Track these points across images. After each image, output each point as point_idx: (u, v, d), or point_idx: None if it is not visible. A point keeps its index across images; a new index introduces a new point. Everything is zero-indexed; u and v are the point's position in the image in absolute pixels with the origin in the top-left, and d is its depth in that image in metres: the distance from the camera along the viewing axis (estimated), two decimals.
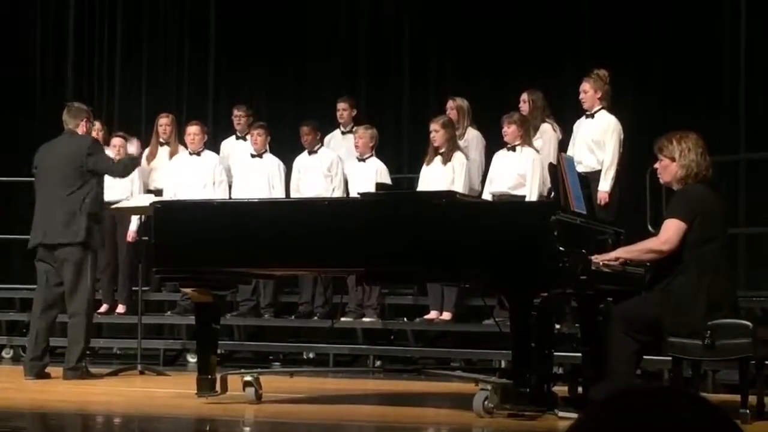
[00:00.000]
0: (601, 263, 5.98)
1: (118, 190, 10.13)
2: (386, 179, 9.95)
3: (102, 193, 8.75)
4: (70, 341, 8.53)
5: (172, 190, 10.55)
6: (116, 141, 10.89)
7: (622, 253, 6.12)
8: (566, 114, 9.76)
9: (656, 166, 6.23)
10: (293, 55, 12.71)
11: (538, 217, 6.06)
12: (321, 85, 12.42)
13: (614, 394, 1.78)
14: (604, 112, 9.13)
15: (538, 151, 9.44)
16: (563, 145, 9.45)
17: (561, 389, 6.51)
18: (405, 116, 12.33)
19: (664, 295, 5.95)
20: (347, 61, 12.77)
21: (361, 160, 10.28)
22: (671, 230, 5.98)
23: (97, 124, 11.33)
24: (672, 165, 6.08)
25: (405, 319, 10.50)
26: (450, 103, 10.17)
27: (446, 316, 9.83)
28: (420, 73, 12.36)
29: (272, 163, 10.70)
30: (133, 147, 9.48)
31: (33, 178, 11.68)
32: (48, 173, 8.60)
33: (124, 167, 8.99)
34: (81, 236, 8.37)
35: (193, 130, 10.71)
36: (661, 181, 6.25)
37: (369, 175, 9.99)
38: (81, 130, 8.73)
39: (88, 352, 8.91)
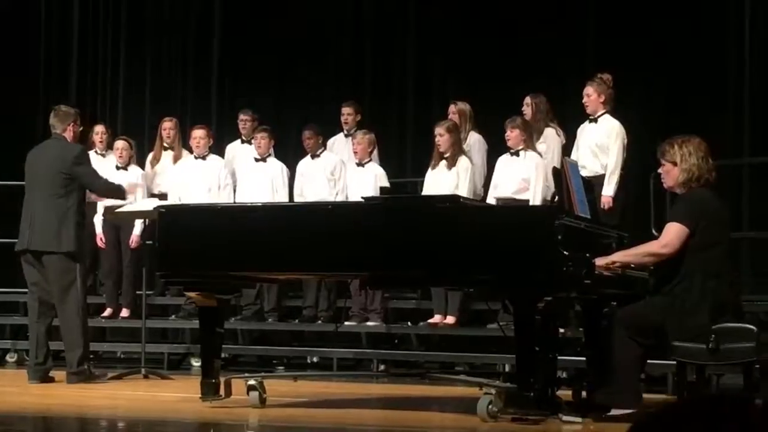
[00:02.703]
0: (601, 266, 5.97)
1: None
2: (385, 184, 9.96)
3: (84, 199, 8.73)
4: (67, 348, 8.53)
5: (177, 194, 10.56)
6: (119, 144, 10.90)
7: (620, 257, 6.11)
8: (570, 119, 9.75)
9: (660, 170, 6.23)
10: (297, 59, 12.72)
11: (542, 221, 6.05)
12: (325, 90, 12.42)
13: (671, 404, 1.76)
14: (607, 116, 9.13)
15: (541, 155, 9.44)
16: (567, 150, 9.44)
17: (565, 393, 6.50)
18: (408, 120, 12.34)
19: (668, 299, 5.95)
20: (351, 65, 12.78)
21: (360, 165, 10.29)
22: (672, 234, 5.98)
23: (101, 128, 11.36)
24: (674, 169, 6.09)
25: (409, 323, 10.50)
26: (452, 107, 10.17)
27: (450, 320, 9.83)
28: (423, 77, 12.36)
29: (276, 167, 10.71)
30: (136, 186, 9.50)
31: None
32: (35, 178, 8.61)
33: (107, 190, 8.91)
34: (68, 246, 8.38)
35: (198, 134, 10.72)
36: (665, 185, 6.27)
37: (368, 180, 10.01)
38: (68, 134, 8.73)
39: (91, 356, 8.92)
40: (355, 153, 10.31)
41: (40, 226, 8.43)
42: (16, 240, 11.82)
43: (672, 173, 6.10)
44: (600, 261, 5.98)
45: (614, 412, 5.99)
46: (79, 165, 8.53)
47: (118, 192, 8.97)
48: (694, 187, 6.06)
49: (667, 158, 6.12)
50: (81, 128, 9.18)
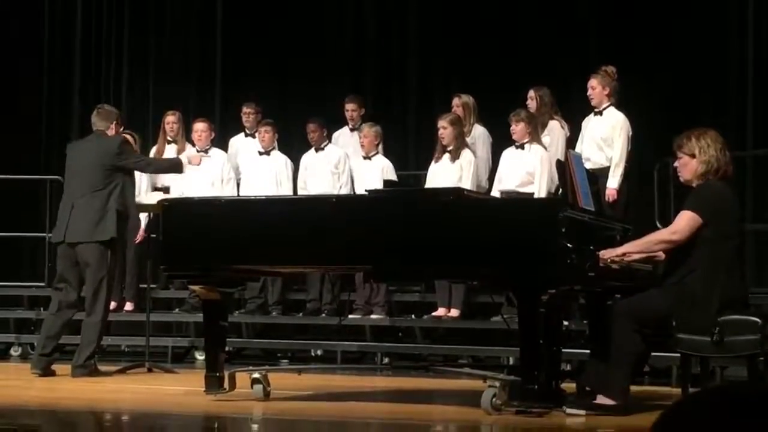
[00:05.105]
0: (608, 260, 5.97)
1: None
2: (392, 176, 9.95)
3: (131, 189, 8.76)
4: (83, 340, 8.53)
5: (180, 187, 10.55)
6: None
7: (631, 247, 6.09)
8: (574, 112, 9.74)
9: (675, 164, 6.20)
10: (300, 51, 12.70)
11: (546, 214, 6.05)
12: (328, 82, 12.41)
13: (711, 389, 1.76)
14: (612, 109, 9.12)
15: (546, 148, 9.43)
16: (571, 143, 9.44)
17: (569, 386, 6.51)
18: (412, 112, 12.33)
19: (677, 288, 5.92)
20: (354, 57, 12.76)
21: (367, 158, 10.28)
22: (683, 221, 5.95)
23: None
24: (692, 162, 6.05)
25: (413, 316, 10.50)
26: (455, 100, 10.15)
27: (454, 313, 9.83)
28: (427, 70, 12.35)
29: (279, 160, 10.71)
30: (199, 157, 9.62)
31: (37, 176, 11.73)
32: (75, 171, 8.63)
33: (166, 166, 9.27)
34: (108, 235, 8.40)
35: (200, 127, 10.71)
36: (681, 179, 6.19)
37: (375, 172, 10.00)
38: (111, 132, 8.78)
39: (97, 351, 8.92)
40: (362, 146, 10.30)
41: (80, 218, 8.43)
42: (19, 234, 11.92)
43: (690, 165, 6.06)
44: (608, 253, 5.97)
45: (599, 400, 5.99)
46: (122, 154, 8.58)
47: (175, 166, 9.15)
48: (711, 179, 6.03)
49: (684, 151, 6.07)
50: (122, 128, 9.24)
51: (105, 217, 8.42)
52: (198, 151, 10.69)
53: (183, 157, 9.40)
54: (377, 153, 10.30)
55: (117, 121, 8.90)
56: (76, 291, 8.58)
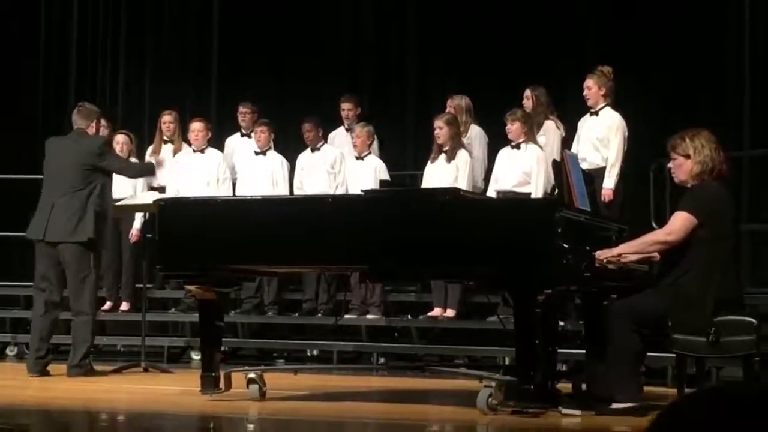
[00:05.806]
0: (604, 260, 5.97)
1: (121, 188, 10.12)
2: (385, 177, 9.95)
3: (109, 190, 8.78)
4: (75, 341, 8.53)
5: (176, 187, 10.54)
6: (119, 138, 10.87)
7: (626, 248, 6.09)
8: (570, 112, 9.74)
9: (670, 165, 6.19)
10: (298, 50, 12.70)
11: (542, 214, 6.05)
12: (326, 82, 12.40)
13: (706, 390, 1.76)
14: (608, 109, 9.11)
15: (542, 148, 9.43)
16: (567, 143, 9.43)
17: (565, 386, 6.51)
18: (410, 112, 12.32)
19: (673, 289, 5.92)
20: (352, 57, 12.76)
21: (359, 158, 10.28)
22: (678, 222, 5.96)
23: (102, 122, 11.34)
24: (687, 162, 6.05)
25: (409, 316, 10.50)
26: (449, 102, 10.14)
27: (450, 313, 9.83)
28: (425, 69, 12.35)
29: (276, 160, 10.70)
30: (163, 161, 9.71)
31: (34, 176, 11.70)
32: (55, 170, 8.62)
33: (139, 171, 9.50)
34: (86, 236, 8.39)
35: (196, 127, 10.69)
36: (676, 179, 6.19)
37: (367, 172, 10.00)
38: (91, 131, 8.77)
39: (92, 350, 8.92)
40: (355, 146, 10.31)
41: (57, 217, 8.43)
42: (15, 233, 11.89)
43: (685, 166, 6.06)
44: (604, 254, 5.97)
45: (615, 405, 5.99)
46: (103, 155, 8.61)
47: (150, 170, 9.41)
48: (707, 179, 6.03)
49: (678, 152, 6.07)
50: (102, 126, 9.23)
51: (84, 218, 8.42)
52: (194, 151, 10.69)
53: (152, 160, 9.50)
54: (369, 153, 10.30)
55: (97, 119, 8.91)
56: (58, 290, 8.58)
